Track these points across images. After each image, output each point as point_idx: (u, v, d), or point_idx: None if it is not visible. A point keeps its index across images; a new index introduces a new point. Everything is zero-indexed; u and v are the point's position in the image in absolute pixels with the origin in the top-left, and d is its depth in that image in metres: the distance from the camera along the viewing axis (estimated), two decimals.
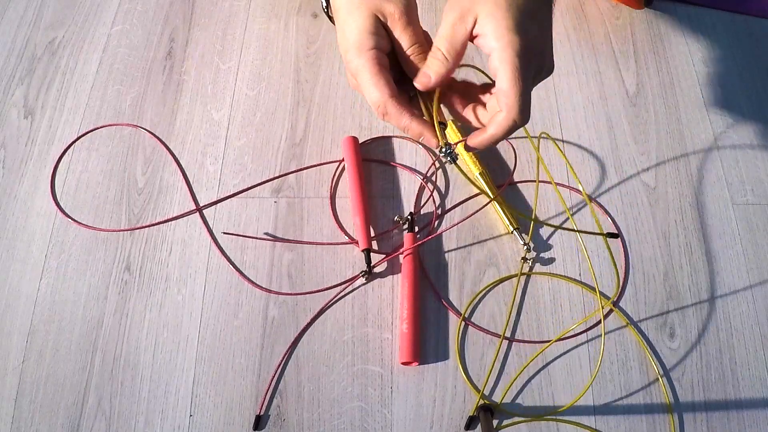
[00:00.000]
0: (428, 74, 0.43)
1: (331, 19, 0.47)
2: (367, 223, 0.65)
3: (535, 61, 0.41)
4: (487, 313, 0.62)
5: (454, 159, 0.42)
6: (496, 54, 0.40)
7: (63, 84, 0.76)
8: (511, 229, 0.64)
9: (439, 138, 0.43)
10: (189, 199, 0.68)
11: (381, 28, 0.43)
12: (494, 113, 0.42)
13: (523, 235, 0.64)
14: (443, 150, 0.42)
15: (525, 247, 0.64)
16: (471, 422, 0.56)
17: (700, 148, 0.72)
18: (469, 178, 0.69)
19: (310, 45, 0.79)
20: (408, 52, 0.44)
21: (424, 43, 0.44)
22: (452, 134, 0.70)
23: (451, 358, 0.60)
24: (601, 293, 0.63)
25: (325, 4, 0.49)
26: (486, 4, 0.42)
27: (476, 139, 0.44)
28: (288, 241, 0.65)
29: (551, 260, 0.65)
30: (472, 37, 0.43)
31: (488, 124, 0.43)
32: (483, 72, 0.46)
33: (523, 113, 0.41)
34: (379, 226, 0.66)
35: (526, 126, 0.44)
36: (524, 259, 0.64)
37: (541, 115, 0.73)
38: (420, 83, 0.43)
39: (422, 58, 0.44)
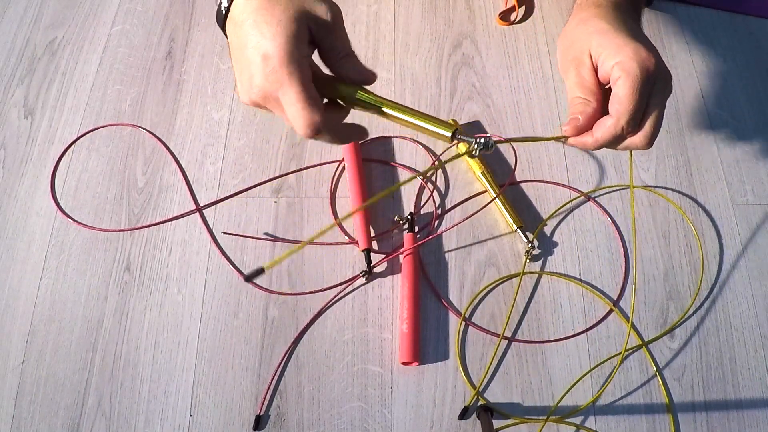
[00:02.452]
0: (576, 117, 0.43)
1: (223, 26, 0.42)
2: (367, 223, 0.65)
3: (655, 73, 0.41)
4: (487, 313, 0.62)
5: (488, 145, 0.40)
6: (619, 66, 0.41)
7: (63, 84, 0.76)
8: (515, 227, 0.64)
9: (446, 128, 0.40)
10: (189, 199, 0.68)
11: (307, 34, 0.39)
12: (604, 118, 0.43)
13: (527, 233, 0.64)
14: (476, 143, 0.40)
15: (530, 244, 0.64)
16: (465, 412, 0.57)
17: (700, 148, 0.72)
18: (475, 174, 0.69)
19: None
20: (344, 59, 0.41)
21: (351, 48, 0.42)
22: None
23: (451, 358, 0.60)
24: (601, 293, 0.63)
25: (226, 3, 0.40)
26: (593, 37, 0.43)
27: (580, 139, 0.44)
28: (288, 241, 0.65)
29: (551, 260, 0.65)
30: (596, 72, 0.43)
31: (595, 128, 0.43)
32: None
33: (632, 123, 0.41)
34: (379, 226, 0.66)
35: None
36: (528, 253, 0.64)
37: (541, 115, 0.73)
38: (570, 126, 0.43)
39: (356, 62, 0.41)
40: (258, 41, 0.37)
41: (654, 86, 0.42)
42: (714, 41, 0.80)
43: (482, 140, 0.40)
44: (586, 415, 0.57)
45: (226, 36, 0.41)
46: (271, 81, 0.37)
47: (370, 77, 0.42)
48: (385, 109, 0.41)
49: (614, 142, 0.43)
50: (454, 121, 0.71)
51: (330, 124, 0.40)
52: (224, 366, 0.59)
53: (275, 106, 0.39)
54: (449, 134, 0.40)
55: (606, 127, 0.42)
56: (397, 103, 0.42)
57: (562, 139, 0.44)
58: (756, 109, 0.75)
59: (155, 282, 0.63)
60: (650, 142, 0.43)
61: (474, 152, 0.40)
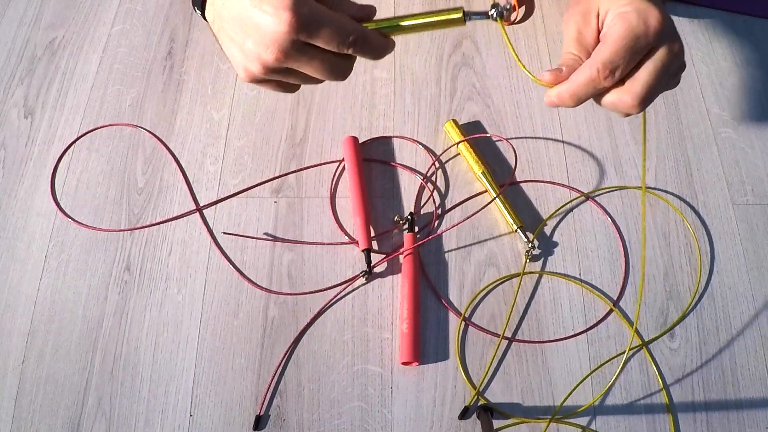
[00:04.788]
0: (561, 68, 0.40)
1: (203, 5, 0.41)
2: (367, 223, 0.65)
3: (658, 33, 0.38)
4: (487, 313, 0.62)
5: (502, 14, 0.40)
6: (619, 15, 0.39)
7: (63, 84, 0.76)
8: (515, 227, 0.64)
9: (453, 12, 0.40)
10: (189, 199, 0.68)
11: None
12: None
13: (527, 233, 0.64)
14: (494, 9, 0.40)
15: (530, 245, 0.64)
16: (465, 412, 0.57)
17: (700, 148, 0.72)
18: (475, 174, 0.69)
19: None
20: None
21: None
22: (453, 133, 0.70)
23: (451, 358, 0.60)
24: (601, 293, 0.63)
25: None
26: None
27: (554, 90, 0.40)
28: (288, 241, 0.65)
29: (551, 260, 0.65)
30: (599, 34, 0.41)
31: (569, 73, 0.40)
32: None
33: (609, 66, 0.38)
34: (379, 226, 0.66)
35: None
36: (528, 253, 0.64)
37: (541, 115, 0.73)
38: (551, 74, 0.40)
39: (351, 2, 0.41)
40: None
41: (655, 48, 0.39)
42: (714, 41, 0.80)
43: (496, 8, 0.39)
44: (586, 415, 0.57)
45: (205, 17, 0.41)
46: (294, 24, 0.36)
47: (371, 11, 0.41)
48: (401, 23, 0.41)
49: (590, 89, 0.39)
50: (454, 121, 0.71)
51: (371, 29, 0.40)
52: (224, 366, 0.59)
53: (299, 55, 0.38)
54: (459, 16, 0.40)
55: (581, 69, 0.39)
56: (398, 17, 0.42)
57: (538, 82, 0.42)
58: (756, 109, 0.75)
59: (155, 282, 0.63)
60: (639, 102, 0.39)
61: (495, 18, 0.40)
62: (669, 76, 0.40)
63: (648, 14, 0.39)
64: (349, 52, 0.39)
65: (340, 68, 0.41)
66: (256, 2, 0.37)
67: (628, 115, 0.42)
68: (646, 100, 0.39)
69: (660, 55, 0.39)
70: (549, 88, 0.41)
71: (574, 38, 0.41)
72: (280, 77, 0.41)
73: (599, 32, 0.41)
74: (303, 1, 0.37)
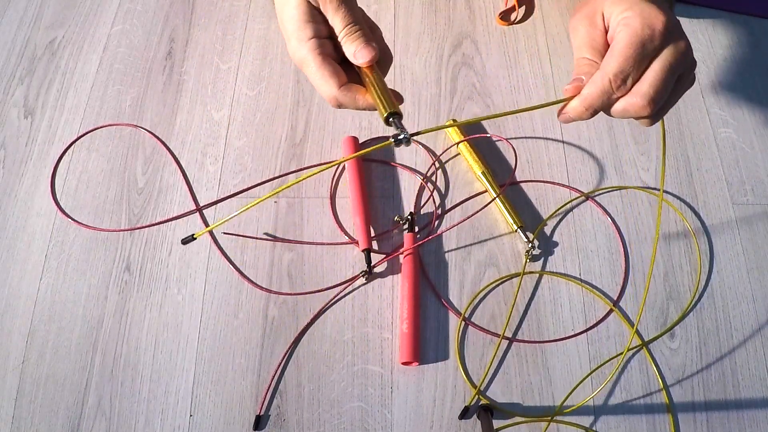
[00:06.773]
0: (580, 77, 0.40)
1: None
2: (367, 223, 0.65)
3: (663, 34, 0.38)
4: (487, 313, 0.62)
5: (403, 140, 0.37)
6: (623, 20, 0.39)
7: (63, 84, 0.76)
8: (516, 227, 0.64)
9: (384, 108, 0.39)
10: (189, 199, 0.68)
11: (316, 14, 0.41)
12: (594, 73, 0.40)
13: (527, 233, 0.64)
14: (394, 129, 0.38)
15: (530, 244, 0.64)
16: (465, 412, 0.57)
17: (700, 148, 0.72)
18: (475, 174, 0.69)
19: None
20: (341, 35, 0.41)
21: (361, 21, 0.42)
22: (453, 133, 0.70)
23: (451, 358, 0.60)
24: (601, 293, 0.63)
25: None
26: None
27: (571, 104, 0.41)
28: (288, 241, 0.65)
29: (551, 260, 0.65)
30: (606, 34, 0.41)
31: (585, 85, 0.40)
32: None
33: (620, 76, 0.38)
34: (379, 226, 0.66)
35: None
36: (528, 252, 0.64)
37: (541, 115, 0.73)
38: (572, 86, 0.41)
39: (357, 37, 0.41)
40: (281, 21, 0.42)
41: (661, 49, 0.39)
42: (714, 41, 0.80)
43: (402, 136, 0.37)
44: (587, 415, 0.57)
45: None
46: (295, 59, 0.42)
47: (566, 86, 0.41)
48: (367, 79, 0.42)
49: (604, 100, 0.39)
50: (454, 120, 0.71)
51: (351, 95, 0.41)
52: (224, 366, 0.59)
53: (308, 77, 0.43)
54: (384, 116, 0.39)
55: (593, 81, 0.39)
56: (375, 74, 0.41)
57: (559, 102, 0.41)
58: (756, 109, 0.75)
59: (155, 282, 0.63)
60: (648, 101, 0.39)
61: (395, 143, 0.38)
62: (678, 75, 0.40)
63: (653, 18, 0.39)
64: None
65: None
66: (281, 17, 0.42)
67: (648, 121, 0.42)
68: (655, 99, 0.39)
69: (666, 54, 0.39)
70: (566, 104, 0.41)
71: (586, 43, 0.41)
72: None
73: (607, 32, 0.41)
74: (302, 39, 0.41)
